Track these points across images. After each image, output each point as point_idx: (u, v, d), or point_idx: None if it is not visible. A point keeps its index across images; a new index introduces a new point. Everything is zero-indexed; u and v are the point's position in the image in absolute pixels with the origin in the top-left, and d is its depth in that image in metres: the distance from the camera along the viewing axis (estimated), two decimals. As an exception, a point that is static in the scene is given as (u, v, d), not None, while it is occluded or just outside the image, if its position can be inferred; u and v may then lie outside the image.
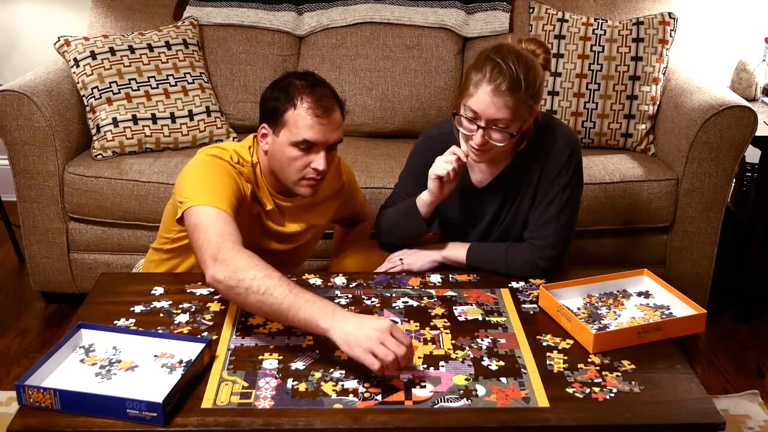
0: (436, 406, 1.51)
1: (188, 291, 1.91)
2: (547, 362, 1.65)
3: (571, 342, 1.72)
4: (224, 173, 1.90)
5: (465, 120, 1.88)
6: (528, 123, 1.91)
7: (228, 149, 1.98)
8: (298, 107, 1.89)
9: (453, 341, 1.71)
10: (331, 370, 1.60)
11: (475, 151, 1.90)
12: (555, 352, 1.68)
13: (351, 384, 1.56)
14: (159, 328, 1.75)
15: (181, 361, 1.61)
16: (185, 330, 1.75)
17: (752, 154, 2.86)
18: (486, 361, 1.64)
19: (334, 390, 1.54)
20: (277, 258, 2.09)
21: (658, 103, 2.85)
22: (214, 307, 1.84)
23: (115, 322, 1.77)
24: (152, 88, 2.82)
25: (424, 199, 2.01)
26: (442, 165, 1.93)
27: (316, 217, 2.14)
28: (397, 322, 1.78)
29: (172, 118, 2.82)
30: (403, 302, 1.87)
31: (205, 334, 1.73)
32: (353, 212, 2.36)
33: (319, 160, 1.92)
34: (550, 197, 1.98)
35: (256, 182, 2.00)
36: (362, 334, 1.53)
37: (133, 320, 1.78)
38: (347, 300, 1.88)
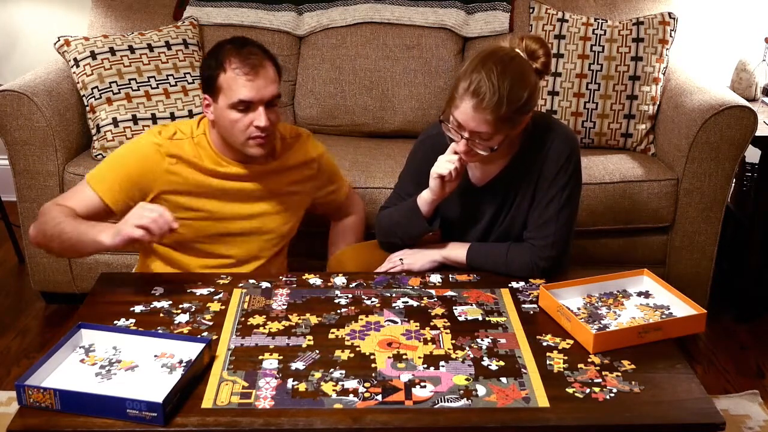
0: (436, 406, 1.51)
1: (188, 291, 1.91)
2: (547, 362, 1.65)
3: (571, 342, 1.72)
4: (130, 156, 2.05)
5: (451, 128, 1.89)
6: (514, 133, 1.91)
7: (173, 126, 2.11)
8: (228, 70, 1.96)
9: (453, 341, 1.71)
10: (331, 370, 1.61)
11: (463, 156, 1.91)
12: (555, 352, 1.68)
13: (351, 384, 1.56)
14: (159, 328, 1.75)
15: (181, 361, 1.61)
16: (185, 330, 1.75)
17: (752, 154, 2.86)
18: (486, 361, 1.64)
19: (334, 390, 1.54)
20: (246, 234, 2.13)
21: (658, 103, 2.85)
22: (214, 307, 1.85)
23: (115, 322, 1.77)
24: (152, 88, 2.82)
25: (425, 198, 2.01)
26: (445, 164, 1.94)
27: (282, 185, 2.15)
28: (396, 322, 1.79)
29: (172, 118, 2.82)
30: (403, 302, 1.87)
31: (205, 334, 1.73)
32: (337, 198, 2.35)
33: (259, 117, 1.97)
34: (550, 197, 1.98)
35: (199, 153, 2.06)
36: (124, 220, 1.82)
37: (133, 320, 1.78)
38: (347, 300, 1.88)
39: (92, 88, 2.78)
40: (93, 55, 2.80)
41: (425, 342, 1.71)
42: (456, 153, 1.93)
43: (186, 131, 2.10)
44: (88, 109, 2.80)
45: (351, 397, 1.53)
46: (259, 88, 1.96)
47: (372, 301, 1.87)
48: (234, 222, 2.12)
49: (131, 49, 2.85)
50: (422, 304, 1.87)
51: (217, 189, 2.09)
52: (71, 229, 1.92)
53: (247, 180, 2.11)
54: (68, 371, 1.59)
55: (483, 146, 1.87)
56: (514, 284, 1.97)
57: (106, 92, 2.78)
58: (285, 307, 1.85)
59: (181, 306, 1.85)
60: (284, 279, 1.98)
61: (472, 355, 1.66)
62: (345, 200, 2.39)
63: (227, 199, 2.10)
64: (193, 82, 2.89)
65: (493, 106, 1.80)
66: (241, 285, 1.95)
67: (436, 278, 2.00)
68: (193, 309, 1.84)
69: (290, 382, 1.57)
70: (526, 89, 1.84)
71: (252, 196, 2.13)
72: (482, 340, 1.72)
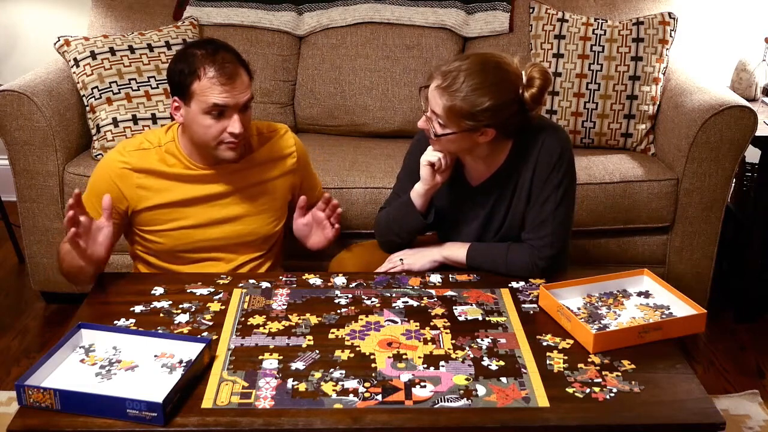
0: (436, 406, 1.51)
1: (188, 291, 1.91)
2: (547, 362, 1.65)
3: (571, 342, 1.72)
4: (101, 180, 2.05)
5: (423, 98, 1.94)
6: (474, 138, 1.89)
7: (140, 136, 2.11)
8: (202, 78, 1.93)
9: (453, 341, 1.71)
10: (331, 370, 1.61)
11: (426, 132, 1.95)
12: (555, 352, 1.69)
13: (351, 384, 1.56)
14: (159, 328, 1.75)
15: (181, 361, 1.61)
16: (185, 330, 1.75)
17: (752, 154, 2.86)
18: (486, 361, 1.64)
19: (334, 390, 1.54)
20: (227, 239, 2.11)
21: (658, 103, 2.85)
22: (214, 307, 1.85)
23: (115, 322, 1.77)
24: (152, 88, 2.82)
25: (418, 190, 2.02)
26: (434, 152, 1.95)
27: (258, 180, 2.12)
28: (396, 322, 1.79)
29: (172, 118, 2.82)
30: (403, 302, 1.87)
31: (205, 334, 1.73)
32: (312, 194, 2.29)
33: (234, 124, 1.96)
34: (545, 197, 1.98)
35: (167, 161, 2.05)
36: None
37: (133, 320, 1.79)
38: (347, 300, 1.88)
39: (92, 88, 2.78)
40: (93, 55, 2.80)
41: (425, 342, 1.71)
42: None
43: (153, 140, 2.08)
44: (88, 109, 2.80)
45: (351, 397, 1.53)
46: (235, 95, 1.94)
47: (372, 301, 1.87)
48: (212, 228, 2.09)
49: (131, 49, 2.85)
50: (422, 304, 1.87)
51: (191, 195, 2.07)
52: (69, 263, 1.98)
53: (221, 181, 2.08)
54: (68, 371, 1.59)
55: (435, 128, 1.90)
56: (514, 284, 1.97)
57: (106, 92, 2.78)
58: (285, 307, 1.85)
59: (181, 306, 1.85)
60: (284, 279, 1.99)
61: (472, 355, 1.66)
62: (319, 196, 2.32)
63: (202, 205, 2.08)
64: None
65: (449, 94, 1.84)
66: (241, 285, 1.95)
67: (436, 278, 2.00)
68: (193, 309, 1.84)
69: (290, 382, 1.57)
70: (491, 100, 1.83)
71: (227, 198, 2.09)
72: (482, 340, 1.72)
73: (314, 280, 1.98)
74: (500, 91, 1.85)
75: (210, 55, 1.94)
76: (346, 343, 1.70)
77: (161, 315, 1.81)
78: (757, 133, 2.59)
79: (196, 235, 2.09)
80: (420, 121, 1.94)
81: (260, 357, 1.65)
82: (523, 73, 1.88)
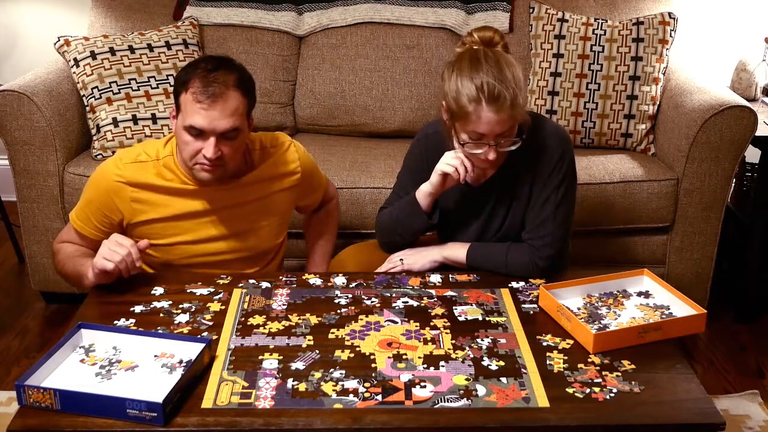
0: (436, 406, 1.51)
1: (188, 291, 1.91)
2: (547, 362, 1.65)
3: (571, 342, 1.72)
4: (96, 191, 2.03)
5: (472, 144, 1.87)
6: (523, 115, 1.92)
7: (139, 147, 2.06)
8: (188, 92, 1.89)
9: (453, 341, 1.71)
10: (331, 370, 1.61)
11: (489, 164, 1.90)
12: (555, 352, 1.69)
13: (351, 384, 1.56)
14: (159, 328, 1.75)
15: (181, 361, 1.61)
16: (185, 330, 1.75)
17: (752, 154, 2.86)
18: (486, 361, 1.64)
19: (334, 390, 1.54)
20: (226, 253, 2.08)
21: (658, 103, 2.85)
22: (214, 307, 1.85)
23: (115, 322, 1.77)
24: (152, 88, 2.82)
25: (424, 191, 2.01)
26: (452, 160, 1.93)
27: (260, 196, 2.08)
28: (396, 322, 1.79)
29: (172, 118, 2.82)
30: (403, 302, 1.87)
31: (205, 334, 1.73)
32: (318, 199, 2.29)
33: (208, 148, 1.89)
34: (545, 197, 1.98)
35: (164, 175, 2.00)
36: (98, 253, 1.85)
37: (133, 320, 1.79)
38: (347, 300, 1.88)
39: (92, 88, 2.78)
40: (93, 55, 2.80)
41: (425, 342, 1.71)
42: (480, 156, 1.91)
43: (151, 153, 2.02)
44: (88, 109, 2.80)
45: (351, 397, 1.53)
46: (212, 119, 1.86)
47: (372, 301, 1.87)
48: (210, 243, 2.06)
49: (131, 49, 2.85)
50: (422, 304, 1.87)
51: (188, 210, 2.03)
52: (71, 269, 2.00)
53: (219, 196, 2.03)
54: (68, 371, 1.59)
55: (509, 142, 1.87)
56: (514, 284, 1.97)
57: (106, 92, 2.78)
58: (285, 307, 1.85)
59: (181, 306, 1.85)
60: (284, 279, 1.98)
61: (472, 355, 1.66)
62: (323, 197, 2.32)
63: (199, 220, 2.04)
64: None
65: (512, 100, 1.82)
66: (241, 285, 1.95)
67: (436, 278, 2.00)
68: (193, 309, 1.84)
69: (290, 382, 1.57)
70: (518, 67, 1.87)
71: (226, 213, 2.05)
72: (482, 340, 1.72)
73: (314, 280, 1.98)
74: (511, 62, 1.88)
75: (207, 71, 1.88)
76: (346, 343, 1.70)
77: (161, 315, 1.81)
78: (757, 133, 2.59)
79: (193, 251, 2.06)
80: (491, 156, 1.86)
81: (260, 357, 1.65)
82: (477, 46, 1.93)
